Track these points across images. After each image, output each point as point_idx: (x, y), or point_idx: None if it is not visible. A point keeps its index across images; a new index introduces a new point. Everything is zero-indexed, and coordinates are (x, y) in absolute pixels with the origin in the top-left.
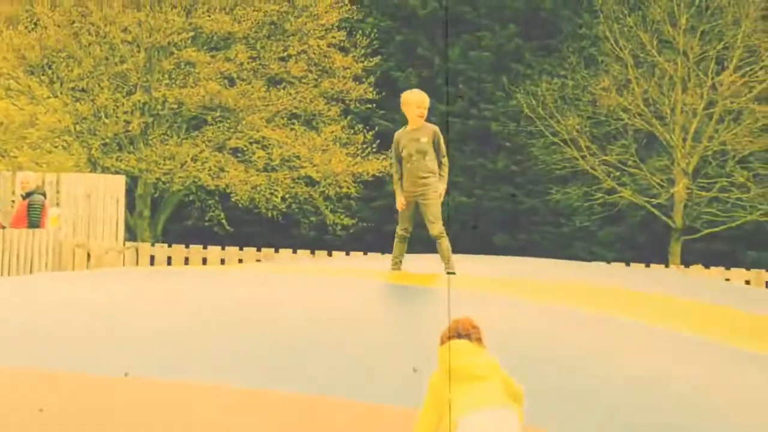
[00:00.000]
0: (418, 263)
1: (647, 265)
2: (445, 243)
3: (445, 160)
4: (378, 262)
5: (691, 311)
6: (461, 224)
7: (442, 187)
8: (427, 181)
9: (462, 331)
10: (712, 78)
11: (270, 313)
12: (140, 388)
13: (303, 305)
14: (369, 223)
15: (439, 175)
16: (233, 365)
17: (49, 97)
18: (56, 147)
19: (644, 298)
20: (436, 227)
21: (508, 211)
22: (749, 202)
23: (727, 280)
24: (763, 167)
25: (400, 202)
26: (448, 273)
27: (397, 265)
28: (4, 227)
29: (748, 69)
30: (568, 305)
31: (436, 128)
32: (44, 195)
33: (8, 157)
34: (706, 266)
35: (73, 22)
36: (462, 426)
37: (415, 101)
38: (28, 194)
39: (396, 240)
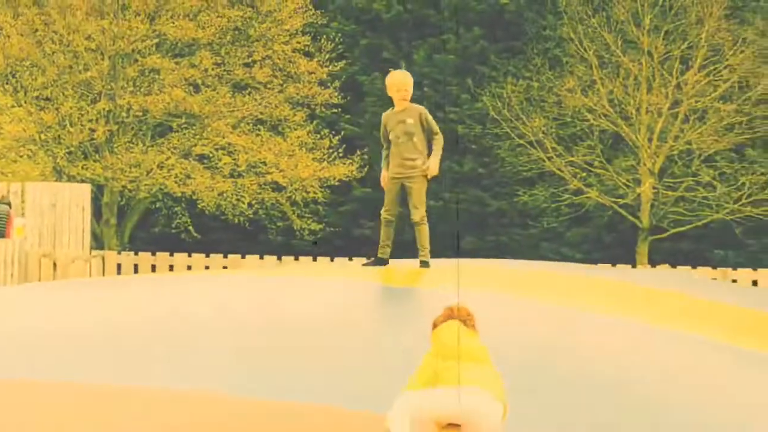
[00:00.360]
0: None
1: (613, 265)
2: (424, 230)
3: (438, 137)
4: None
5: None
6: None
7: (434, 161)
8: (414, 164)
9: (456, 318)
10: (677, 77)
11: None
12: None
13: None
14: (336, 228)
15: (433, 151)
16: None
17: (13, 106)
18: (21, 156)
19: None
20: (419, 213)
21: (475, 214)
22: (715, 201)
23: None
24: (728, 166)
25: (384, 177)
26: (422, 262)
27: (384, 250)
28: None
29: (712, 68)
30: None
31: (423, 109)
32: (9, 205)
33: None
34: (673, 265)
35: (36, 30)
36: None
37: (395, 83)
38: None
39: (382, 224)
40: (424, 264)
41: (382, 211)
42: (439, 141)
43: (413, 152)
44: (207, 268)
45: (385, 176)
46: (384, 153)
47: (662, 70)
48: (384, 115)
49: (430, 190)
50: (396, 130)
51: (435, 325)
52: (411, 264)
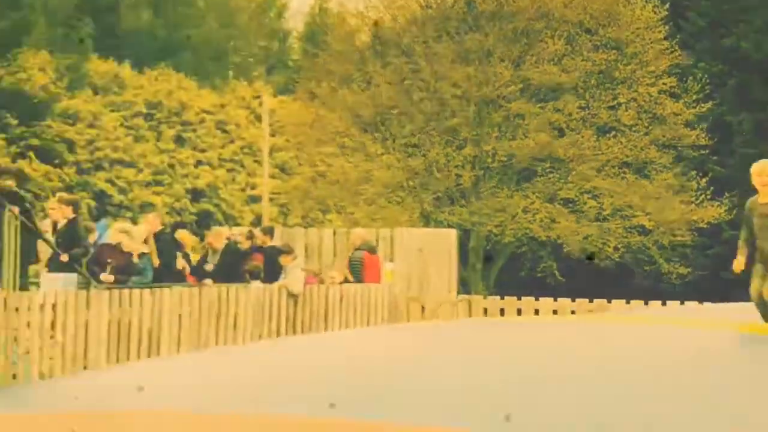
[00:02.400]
0: None
1: None
2: None
3: None
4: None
5: None
6: None
7: None
8: None
9: None
10: None
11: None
12: None
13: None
14: (704, 272)
15: None
16: None
17: (382, 154)
18: (390, 202)
19: None
20: None
21: None
22: None
23: None
24: None
25: (738, 263)
26: None
27: None
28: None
29: None
30: None
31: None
32: (373, 251)
33: (345, 213)
34: None
35: (404, 79)
36: None
37: (754, 171)
38: (356, 250)
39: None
40: None
41: (751, 290)
42: None
43: None
44: (573, 312)
45: (739, 262)
46: (740, 242)
47: None
48: (749, 201)
49: None
50: (759, 221)
51: None
52: None
